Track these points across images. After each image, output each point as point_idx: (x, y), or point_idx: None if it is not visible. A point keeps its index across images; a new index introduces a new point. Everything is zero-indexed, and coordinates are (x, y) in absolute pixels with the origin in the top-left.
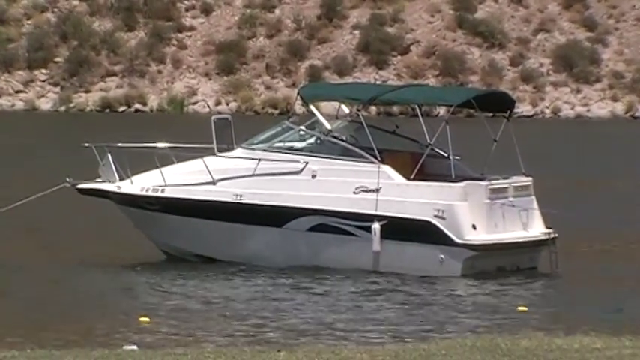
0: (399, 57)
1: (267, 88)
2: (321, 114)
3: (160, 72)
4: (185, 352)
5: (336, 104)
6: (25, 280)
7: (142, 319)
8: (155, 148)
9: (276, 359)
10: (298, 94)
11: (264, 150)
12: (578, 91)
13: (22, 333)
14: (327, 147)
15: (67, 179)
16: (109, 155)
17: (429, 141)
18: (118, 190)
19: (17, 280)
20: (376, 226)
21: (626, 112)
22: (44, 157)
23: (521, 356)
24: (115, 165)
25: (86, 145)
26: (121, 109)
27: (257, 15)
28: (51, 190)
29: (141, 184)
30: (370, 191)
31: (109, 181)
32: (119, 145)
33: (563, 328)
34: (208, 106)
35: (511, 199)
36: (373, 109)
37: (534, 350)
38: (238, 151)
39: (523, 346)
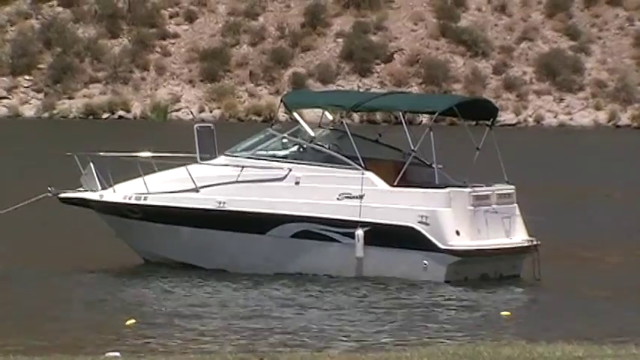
0: (383, 65)
1: (251, 95)
2: (305, 121)
3: (143, 79)
4: (168, 359)
5: (319, 112)
6: (8, 286)
7: (128, 322)
8: (138, 157)
9: None
10: (282, 101)
11: (248, 157)
12: (561, 99)
13: (4, 339)
14: (310, 154)
15: (49, 188)
16: (92, 164)
17: (412, 148)
18: (99, 199)
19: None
20: (360, 232)
21: (609, 121)
22: (27, 165)
23: None
24: (97, 174)
25: (69, 154)
26: (105, 116)
27: (241, 22)
28: (33, 199)
29: (123, 193)
30: (354, 198)
31: (91, 190)
32: (101, 153)
33: (545, 336)
34: (192, 114)
35: (494, 206)
36: (356, 116)
37: (516, 358)
38: (221, 159)
39: (505, 355)
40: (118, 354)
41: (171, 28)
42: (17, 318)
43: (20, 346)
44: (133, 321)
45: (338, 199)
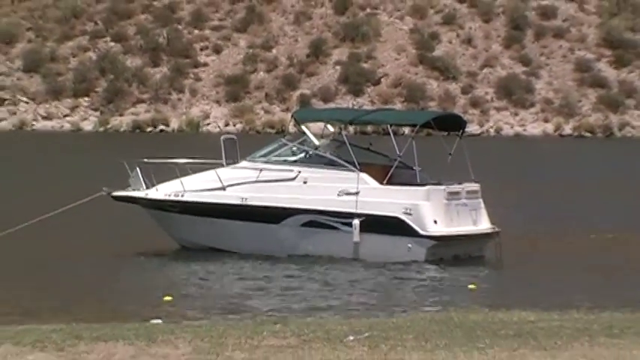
0: (372, 87)
1: (266, 112)
2: (311, 133)
3: (179, 99)
4: (200, 324)
5: (322, 125)
6: (68, 268)
7: (166, 298)
8: (176, 163)
9: (274, 330)
10: (292, 117)
11: (265, 162)
12: (516, 114)
13: (65, 310)
14: (315, 159)
15: (104, 188)
16: (138, 168)
17: (398, 154)
18: (145, 196)
19: (61, 271)
20: (356, 221)
21: (555, 131)
22: (85, 170)
23: (470, 327)
24: (142, 176)
25: (120, 162)
26: (149, 129)
27: (258, 53)
28: (90, 197)
29: (164, 191)
30: (351, 194)
31: (138, 190)
32: (146, 160)
33: (504, 304)
34: (219, 127)
35: (464, 200)
36: (351, 129)
37: (481, 322)
38: (243, 163)
39: (472, 319)
40: (160, 321)
41: (202, 58)
42: (75, 294)
43: (79, 315)
44: (170, 298)
45: (338, 195)
